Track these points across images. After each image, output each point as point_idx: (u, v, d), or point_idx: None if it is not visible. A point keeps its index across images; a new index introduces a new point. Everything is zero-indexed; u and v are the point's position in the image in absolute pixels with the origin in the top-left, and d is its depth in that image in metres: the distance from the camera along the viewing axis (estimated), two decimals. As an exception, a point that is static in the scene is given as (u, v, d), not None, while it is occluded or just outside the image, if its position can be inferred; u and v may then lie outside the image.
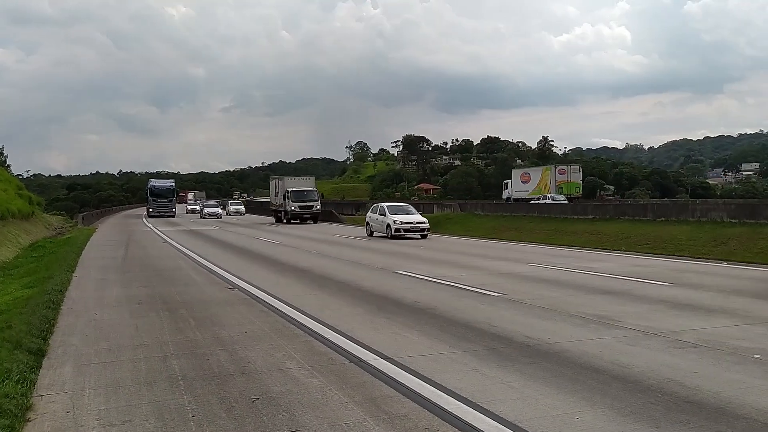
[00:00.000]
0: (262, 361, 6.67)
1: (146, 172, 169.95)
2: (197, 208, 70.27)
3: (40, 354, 6.99)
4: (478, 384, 5.79)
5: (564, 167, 61.61)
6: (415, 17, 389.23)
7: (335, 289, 12.17)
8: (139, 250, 21.98)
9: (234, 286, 12.48)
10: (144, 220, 52.24)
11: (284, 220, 43.11)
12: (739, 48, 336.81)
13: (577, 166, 63.12)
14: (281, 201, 44.23)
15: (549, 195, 53.18)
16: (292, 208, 42.26)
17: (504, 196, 64.44)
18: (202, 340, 7.71)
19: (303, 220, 42.58)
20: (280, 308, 9.86)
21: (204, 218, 54.18)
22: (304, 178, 47.47)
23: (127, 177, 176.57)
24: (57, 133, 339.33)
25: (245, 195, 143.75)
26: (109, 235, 32.68)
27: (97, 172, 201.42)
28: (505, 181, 67.59)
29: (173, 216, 56.46)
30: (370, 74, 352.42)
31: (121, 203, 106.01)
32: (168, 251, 21.64)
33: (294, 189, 43.08)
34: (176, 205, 61.28)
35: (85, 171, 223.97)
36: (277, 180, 48.36)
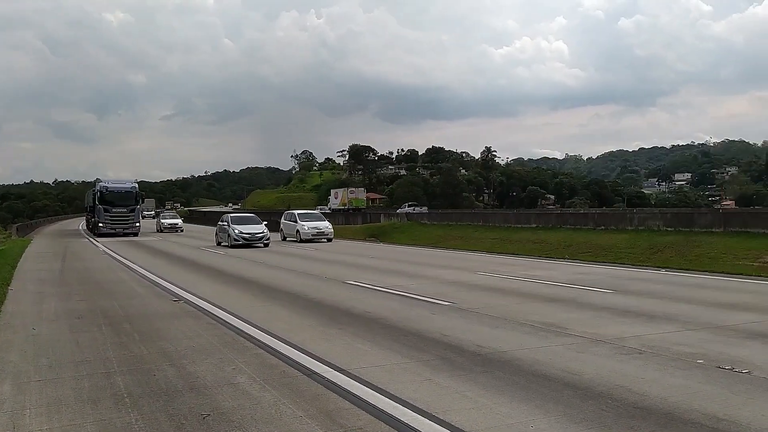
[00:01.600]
0: (212, 375, 6.49)
1: (83, 181, 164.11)
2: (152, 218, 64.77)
3: (-27, 373, 6.62)
4: (433, 394, 5.78)
5: (354, 189, 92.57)
6: (358, 28, 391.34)
7: (284, 300, 12.01)
8: (77, 262, 21.22)
9: (180, 298, 12.17)
10: (83, 231, 47.58)
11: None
12: (670, 63, 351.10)
13: (363, 188, 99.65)
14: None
15: (346, 206, 79.95)
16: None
17: (328, 206, 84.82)
18: (147, 356, 7.46)
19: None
20: (228, 320, 9.65)
21: (162, 231, 46.23)
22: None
23: (63, 186, 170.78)
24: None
25: (178, 205, 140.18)
26: (46, 246, 31.47)
27: (32, 182, 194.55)
28: (329, 197, 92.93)
29: (136, 234, 39.02)
30: (315, 84, 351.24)
31: (57, 213, 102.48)
32: (108, 263, 20.97)
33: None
34: (140, 217, 41.83)
35: (19, 180, 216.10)
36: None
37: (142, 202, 44.08)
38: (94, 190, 41.17)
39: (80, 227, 55.98)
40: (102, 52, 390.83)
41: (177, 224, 49.28)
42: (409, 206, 79.99)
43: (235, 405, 5.51)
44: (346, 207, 79.22)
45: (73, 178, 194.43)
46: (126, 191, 39.64)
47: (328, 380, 6.21)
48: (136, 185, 41.85)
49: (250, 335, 8.51)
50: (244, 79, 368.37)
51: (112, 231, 37.97)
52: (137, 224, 39.59)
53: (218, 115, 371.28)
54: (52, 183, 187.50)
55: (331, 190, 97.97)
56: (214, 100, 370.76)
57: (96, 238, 35.62)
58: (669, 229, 24.45)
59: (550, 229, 29.63)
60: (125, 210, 38.86)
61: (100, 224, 38.34)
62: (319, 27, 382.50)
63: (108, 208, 38.49)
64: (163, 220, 49.68)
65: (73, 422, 5.14)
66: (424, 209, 67.71)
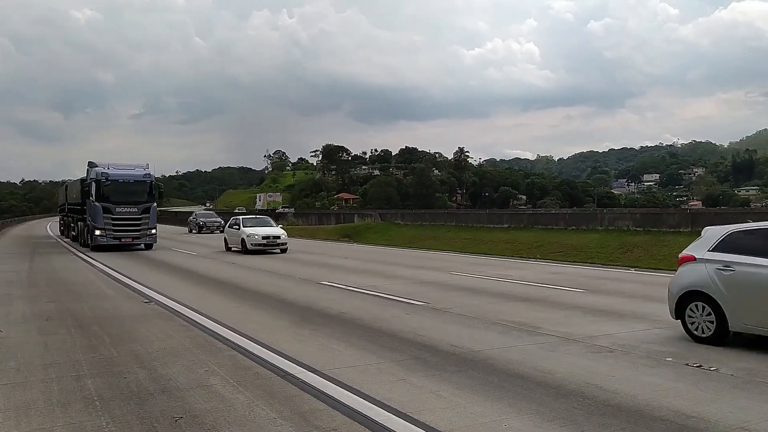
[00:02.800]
0: (184, 377, 6.42)
1: (50, 181, 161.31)
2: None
3: (-63, 377, 6.43)
4: (407, 394, 5.79)
5: (272, 193, 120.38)
6: (331, 27, 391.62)
7: (257, 301, 11.93)
8: (45, 263, 20.81)
9: (150, 299, 12.01)
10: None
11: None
12: (639, 65, 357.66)
13: (279, 193, 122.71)
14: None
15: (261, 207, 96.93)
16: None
17: (256, 208, 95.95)
18: (118, 358, 7.35)
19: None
20: (200, 322, 9.55)
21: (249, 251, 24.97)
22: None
23: (30, 186, 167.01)
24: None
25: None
26: (12, 247, 30.81)
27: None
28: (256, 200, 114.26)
29: (151, 246, 27.28)
30: (288, 83, 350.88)
31: (24, 213, 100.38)
32: (76, 264, 20.61)
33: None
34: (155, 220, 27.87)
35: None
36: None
37: (160, 198, 29.92)
38: (85, 180, 27.87)
39: (48, 228, 54.50)
40: (69, 49, 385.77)
41: (278, 238, 25.77)
42: (283, 207, 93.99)
43: (208, 407, 5.46)
44: (267, 208, 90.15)
45: (40, 178, 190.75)
46: (137, 180, 26.41)
47: (303, 381, 6.19)
48: (150, 173, 27.58)
49: (222, 336, 8.43)
50: (216, 78, 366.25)
51: (115, 242, 25.70)
52: (153, 231, 26.83)
53: (189, 114, 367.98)
54: (19, 183, 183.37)
55: (257, 195, 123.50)
56: (184, 99, 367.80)
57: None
58: (638, 229, 24.83)
59: (522, 229, 29.88)
60: (135, 210, 26.04)
61: (98, 232, 25.42)
62: (291, 26, 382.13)
63: (109, 207, 25.53)
64: (250, 230, 25.60)
65: (43, 426, 5.04)
66: (292, 210, 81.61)
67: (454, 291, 13.11)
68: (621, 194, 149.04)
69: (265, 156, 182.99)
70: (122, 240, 26.08)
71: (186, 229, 50.41)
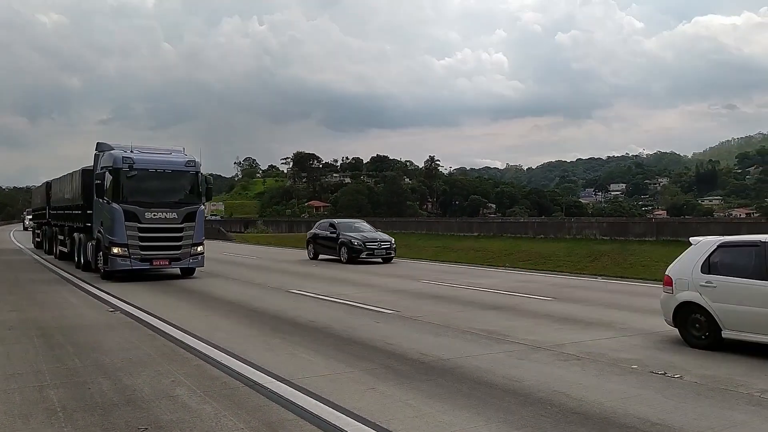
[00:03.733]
0: (150, 388, 6.32)
1: (14, 187, 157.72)
2: None
3: None
4: (377, 403, 5.78)
5: (215, 203, 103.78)
6: (301, 35, 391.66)
7: (225, 309, 11.80)
8: (6, 271, 20.30)
9: (116, 308, 11.80)
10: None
11: None
12: (605, 77, 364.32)
13: (222, 203, 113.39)
14: None
15: None
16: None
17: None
18: (82, 368, 7.19)
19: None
20: (167, 331, 9.41)
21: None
22: None
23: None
24: None
25: None
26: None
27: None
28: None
29: (192, 271, 18.13)
30: (258, 90, 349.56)
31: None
32: (41, 272, 20.14)
33: None
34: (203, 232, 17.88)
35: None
36: None
37: (209, 198, 19.36)
38: (93, 171, 18.40)
39: (12, 237, 53.05)
40: (34, 54, 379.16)
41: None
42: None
43: (174, 418, 5.37)
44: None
45: (3, 184, 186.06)
46: (176, 171, 17.36)
47: (271, 391, 6.13)
48: (195, 159, 17.87)
49: (189, 346, 8.32)
50: (185, 85, 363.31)
51: (144, 265, 16.75)
52: (199, 248, 17.50)
53: (158, 120, 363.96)
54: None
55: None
56: (153, 105, 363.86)
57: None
58: (605, 237, 25.23)
59: (491, 238, 30.12)
60: (175, 216, 16.96)
61: (116, 249, 16.31)
62: (262, 33, 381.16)
63: (135, 212, 16.42)
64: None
65: (1, 440, 4.90)
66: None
67: (424, 299, 13.14)
68: (589, 203, 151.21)
69: (235, 163, 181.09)
70: (154, 262, 16.63)
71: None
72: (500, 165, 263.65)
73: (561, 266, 21.18)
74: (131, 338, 8.94)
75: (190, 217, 17.02)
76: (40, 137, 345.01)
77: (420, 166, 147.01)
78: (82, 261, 19.39)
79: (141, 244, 16.33)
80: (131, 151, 16.99)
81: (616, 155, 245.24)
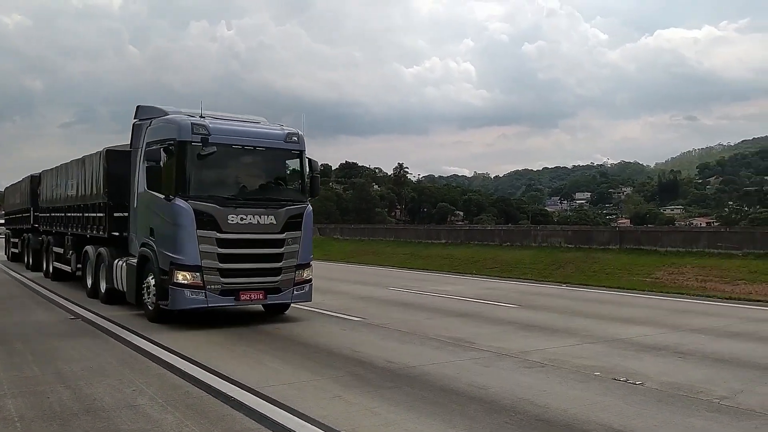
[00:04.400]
0: (110, 397, 6.18)
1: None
2: None
3: None
4: (343, 411, 5.74)
5: None
6: (270, 40, 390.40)
7: (189, 316, 11.59)
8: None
9: (77, 315, 11.54)
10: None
11: None
12: (570, 87, 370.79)
13: None
14: None
15: None
16: None
17: None
18: (41, 377, 7.01)
19: None
20: (129, 339, 9.23)
21: None
22: None
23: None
24: None
25: None
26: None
27: None
28: None
29: (287, 305, 11.51)
30: (226, 95, 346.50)
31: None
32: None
33: None
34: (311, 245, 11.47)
35: None
36: None
37: (315, 195, 11.69)
38: (142, 148, 11.25)
39: None
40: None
41: None
42: None
43: (135, 428, 5.27)
44: None
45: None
46: (270, 148, 10.90)
47: (235, 400, 6.05)
48: (299, 131, 11.27)
49: (152, 354, 8.18)
50: (151, 88, 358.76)
51: (228, 301, 10.27)
52: (306, 271, 11.17)
53: (123, 124, 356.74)
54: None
55: None
56: (118, 109, 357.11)
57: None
58: (570, 246, 25.53)
59: (459, 245, 30.26)
60: (272, 221, 10.45)
61: (182, 276, 9.83)
62: (230, 38, 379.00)
63: (213, 214, 9.96)
64: None
65: (-47, 452, 4.73)
66: None
67: (391, 306, 13.14)
68: (554, 211, 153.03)
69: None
70: (242, 296, 10.33)
71: None
72: (468, 173, 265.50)
73: (527, 274, 21.37)
74: (92, 346, 8.76)
75: (294, 222, 10.71)
76: (0, 140, 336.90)
77: (389, 173, 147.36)
78: (103, 288, 12.94)
79: (222, 266, 9.95)
80: (203, 117, 10.48)
81: (581, 164, 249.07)
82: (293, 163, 11.27)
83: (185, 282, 9.85)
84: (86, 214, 14.24)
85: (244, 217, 10.14)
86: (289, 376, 7.04)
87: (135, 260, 11.14)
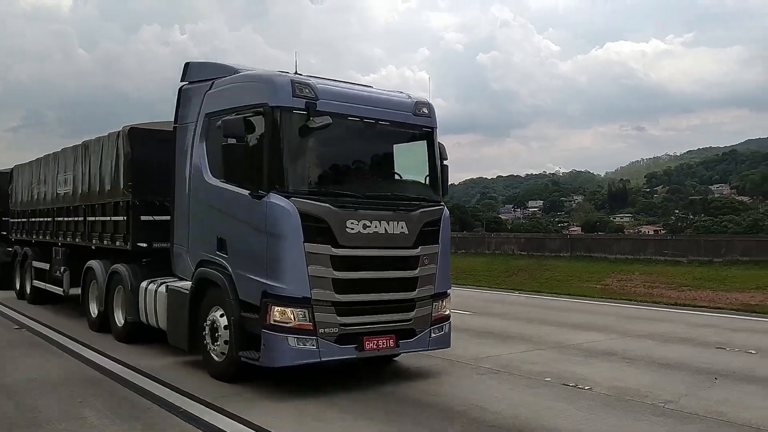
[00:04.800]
0: (57, 410, 5.99)
1: None
2: None
3: None
4: (293, 420, 5.71)
5: None
6: (225, 46, 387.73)
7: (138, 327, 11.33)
8: None
9: (22, 325, 11.15)
10: None
11: None
12: (523, 97, 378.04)
13: None
14: None
15: None
16: None
17: None
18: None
19: None
20: (77, 350, 8.96)
21: None
22: None
23: None
24: None
25: None
26: None
27: None
28: None
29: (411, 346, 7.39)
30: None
31: None
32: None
33: None
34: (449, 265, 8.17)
35: None
36: None
37: (445, 192, 8.26)
38: (200, 121, 7.55)
39: None
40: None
41: None
42: None
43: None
44: None
45: None
46: (398, 123, 7.46)
47: (185, 411, 5.94)
48: (430, 103, 7.81)
49: (100, 365, 7.96)
50: (101, 92, 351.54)
51: (346, 350, 6.59)
52: (444, 303, 7.92)
53: (72, 128, 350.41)
54: None
55: None
56: (67, 113, 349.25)
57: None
58: (523, 253, 25.93)
59: (414, 253, 30.43)
60: (402, 228, 7.05)
61: (287, 313, 6.37)
62: (183, 43, 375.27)
63: (325, 218, 6.54)
64: None
65: None
66: None
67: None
68: (508, 219, 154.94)
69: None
70: (367, 344, 6.69)
71: None
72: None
73: (480, 281, 21.61)
74: (38, 357, 8.49)
75: (429, 232, 7.45)
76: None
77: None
78: (119, 321, 9.65)
79: (339, 298, 6.64)
80: (325, 82, 7.24)
81: (534, 173, 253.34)
82: (418, 146, 7.83)
83: (288, 324, 6.41)
84: (91, 218, 10.67)
85: (368, 223, 6.82)
86: (238, 386, 6.94)
87: (185, 285, 7.76)
